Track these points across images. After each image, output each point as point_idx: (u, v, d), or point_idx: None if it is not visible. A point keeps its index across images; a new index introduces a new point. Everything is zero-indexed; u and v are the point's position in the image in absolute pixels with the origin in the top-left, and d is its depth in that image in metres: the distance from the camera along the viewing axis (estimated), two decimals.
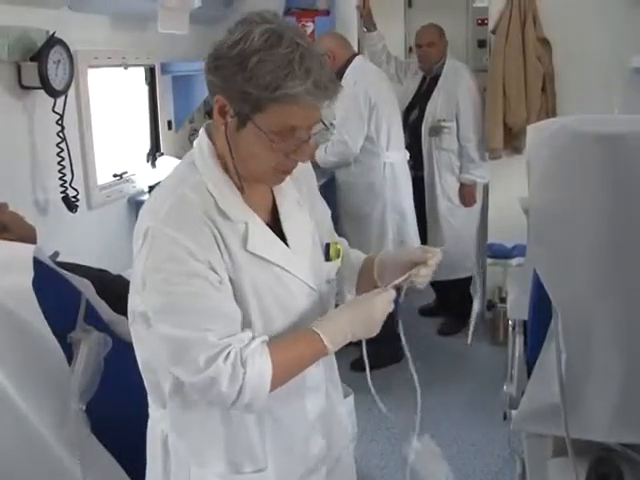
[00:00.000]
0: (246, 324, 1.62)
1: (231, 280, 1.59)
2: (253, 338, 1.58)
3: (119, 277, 2.24)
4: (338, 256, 1.82)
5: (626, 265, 2.36)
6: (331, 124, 4.21)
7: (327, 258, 1.81)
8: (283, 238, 1.73)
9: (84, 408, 1.87)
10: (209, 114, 5.28)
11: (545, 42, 5.14)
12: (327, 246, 1.82)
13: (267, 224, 1.71)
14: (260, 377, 1.54)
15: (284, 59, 1.48)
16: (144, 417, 1.76)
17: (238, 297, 1.61)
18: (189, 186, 1.59)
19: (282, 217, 1.76)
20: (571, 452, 2.54)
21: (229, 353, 1.51)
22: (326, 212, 1.96)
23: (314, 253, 1.79)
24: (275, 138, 1.54)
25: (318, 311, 1.76)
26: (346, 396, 2.03)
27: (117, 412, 1.94)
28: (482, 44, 7.39)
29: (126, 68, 4.35)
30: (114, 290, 1.94)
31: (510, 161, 5.30)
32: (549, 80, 5.16)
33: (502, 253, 5.23)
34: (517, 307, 2.98)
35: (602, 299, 2.43)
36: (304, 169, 1.81)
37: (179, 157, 4.21)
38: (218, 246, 1.56)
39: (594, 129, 2.17)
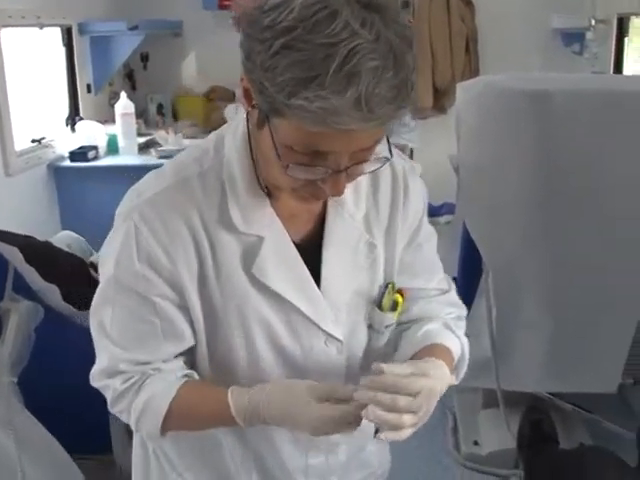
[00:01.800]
0: (219, 365, 1.28)
1: (210, 306, 1.22)
2: (182, 367, 1.27)
3: (47, 243, 2.17)
4: (394, 309, 1.31)
5: (553, 220, 2.43)
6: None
7: (379, 305, 1.32)
8: (318, 267, 1.26)
9: (16, 381, 1.82)
10: (129, 77, 5.15)
11: (468, 3, 5.20)
12: (385, 288, 1.32)
13: (299, 244, 1.24)
14: (143, 413, 1.23)
15: (319, 52, 0.95)
16: (81, 388, 1.70)
17: (214, 331, 1.24)
18: (199, 172, 1.19)
19: (326, 239, 1.26)
20: (502, 403, 2.63)
21: (130, 378, 1.24)
22: (420, 249, 1.37)
23: (359, 295, 1.30)
24: (289, 156, 1.05)
25: (344, 377, 1.32)
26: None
27: (52, 384, 1.88)
28: (406, 4, 7.39)
29: (41, 28, 4.20)
30: (43, 257, 1.87)
31: (435, 121, 5.36)
32: (472, 40, 5.22)
33: (430, 211, 5.26)
34: (446, 264, 3.04)
35: (531, 254, 2.49)
36: (402, 175, 1.31)
37: (100, 121, 4.11)
38: (200, 262, 1.18)
39: (521, 86, 2.20)
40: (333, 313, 1.26)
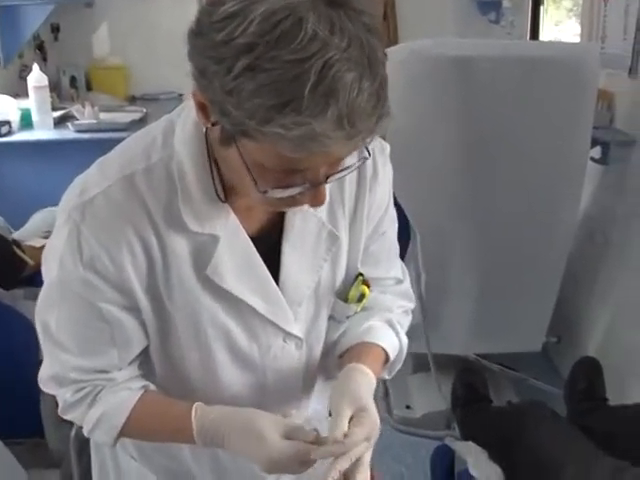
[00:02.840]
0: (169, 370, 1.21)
1: (162, 310, 1.13)
2: (137, 377, 1.20)
3: None
4: (360, 300, 1.24)
5: (478, 183, 2.48)
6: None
7: (343, 297, 1.25)
8: (278, 262, 1.18)
9: None
10: (39, 48, 4.95)
11: None
12: (353, 280, 1.25)
13: (256, 238, 1.15)
14: (97, 426, 1.17)
15: (288, 71, 0.83)
16: (8, 371, 1.64)
17: (167, 333, 1.16)
18: (145, 167, 1.08)
19: (285, 232, 1.16)
20: (433, 367, 2.70)
21: (82, 389, 1.16)
22: (384, 237, 1.29)
23: (321, 288, 1.22)
24: (262, 175, 0.96)
25: (303, 372, 1.27)
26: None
27: None
28: None
29: None
30: None
31: None
32: (390, 7, 5.23)
33: None
34: None
35: (457, 218, 2.54)
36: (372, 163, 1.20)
37: (10, 95, 3.94)
38: (149, 265, 1.09)
39: (446, 52, 2.22)
40: (292, 310, 1.19)
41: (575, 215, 2.62)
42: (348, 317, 1.26)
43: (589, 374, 2.34)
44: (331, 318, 1.26)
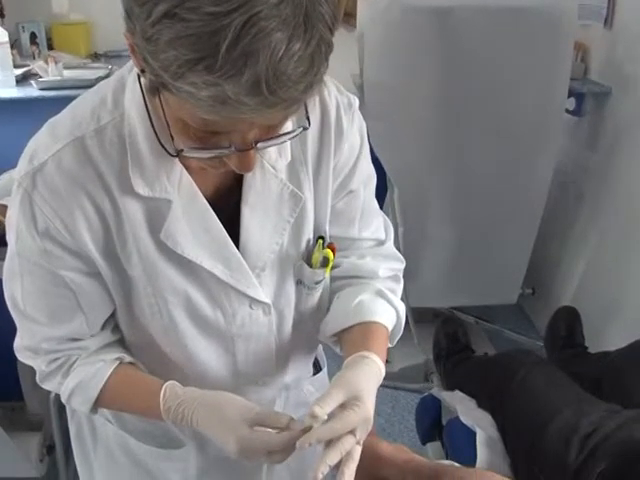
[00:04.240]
0: (136, 335, 1.18)
1: (122, 276, 1.09)
2: (108, 345, 1.17)
3: None
4: (326, 265, 1.18)
5: (455, 135, 2.46)
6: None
7: (308, 261, 1.18)
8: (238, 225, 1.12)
9: None
10: None
11: None
12: (313, 244, 1.18)
13: (213, 200, 1.08)
14: (72, 396, 1.15)
15: (207, 25, 0.74)
16: (3, 343, 1.53)
17: (130, 299, 1.12)
18: (95, 129, 1.01)
19: (244, 193, 1.09)
20: (411, 320, 2.71)
21: (55, 359, 1.14)
22: (355, 194, 1.20)
23: (285, 252, 1.16)
24: (184, 132, 0.88)
25: (275, 339, 1.22)
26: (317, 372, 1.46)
27: None
28: None
29: None
30: None
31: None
32: None
33: None
34: None
35: (434, 170, 2.53)
36: (333, 112, 1.11)
37: None
38: (105, 230, 1.04)
39: (425, 2, 2.19)
40: (255, 274, 1.12)
41: (551, 168, 2.62)
42: (317, 283, 1.19)
43: (569, 322, 2.36)
44: (300, 284, 1.19)
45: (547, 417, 1.57)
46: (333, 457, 0.95)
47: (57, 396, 1.43)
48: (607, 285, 2.69)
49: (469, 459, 1.64)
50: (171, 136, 0.89)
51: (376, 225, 1.24)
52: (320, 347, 1.45)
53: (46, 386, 1.17)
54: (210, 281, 1.10)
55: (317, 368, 1.45)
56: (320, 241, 1.16)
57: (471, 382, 1.94)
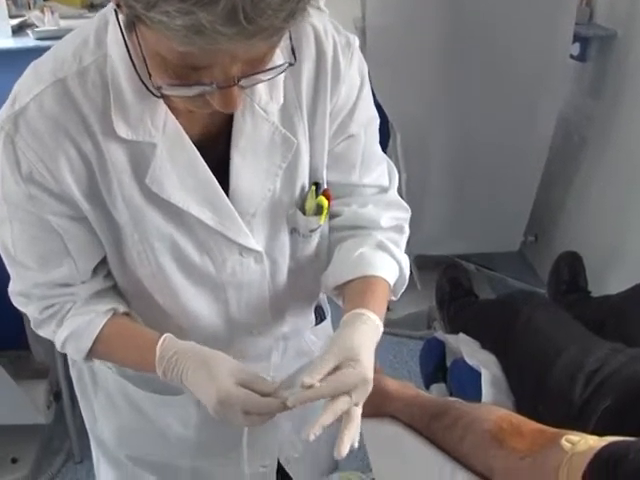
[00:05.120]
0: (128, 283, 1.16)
1: (109, 221, 1.06)
2: (100, 295, 1.15)
3: None
4: (320, 213, 1.13)
5: (459, 83, 2.44)
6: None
7: (302, 209, 1.14)
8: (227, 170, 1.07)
9: None
10: None
11: None
12: (307, 192, 1.14)
13: (201, 144, 1.04)
14: (66, 345, 1.14)
15: None
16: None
17: (119, 244, 1.09)
18: (77, 70, 0.97)
19: (234, 137, 1.04)
20: (414, 267, 2.71)
21: (48, 307, 1.13)
22: (355, 137, 1.14)
23: (278, 199, 1.11)
24: (162, 68, 0.84)
25: (268, 288, 1.19)
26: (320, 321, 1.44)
27: None
28: None
29: None
30: None
31: None
32: None
33: None
34: None
35: (437, 119, 2.51)
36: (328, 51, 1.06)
37: None
38: (89, 175, 1.01)
39: None
40: (246, 222, 1.09)
41: (554, 114, 2.59)
42: (312, 231, 1.16)
43: (572, 267, 2.35)
44: (295, 232, 1.16)
45: (553, 355, 1.56)
46: (326, 418, 0.95)
47: None
48: (610, 231, 2.69)
49: (474, 399, 1.62)
50: (149, 74, 0.85)
51: (379, 172, 1.20)
52: (324, 296, 1.43)
53: (41, 333, 1.16)
54: (198, 228, 1.07)
55: (321, 317, 1.43)
56: (312, 188, 1.12)
57: (475, 325, 1.94)
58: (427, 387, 2.02)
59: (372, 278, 1.13)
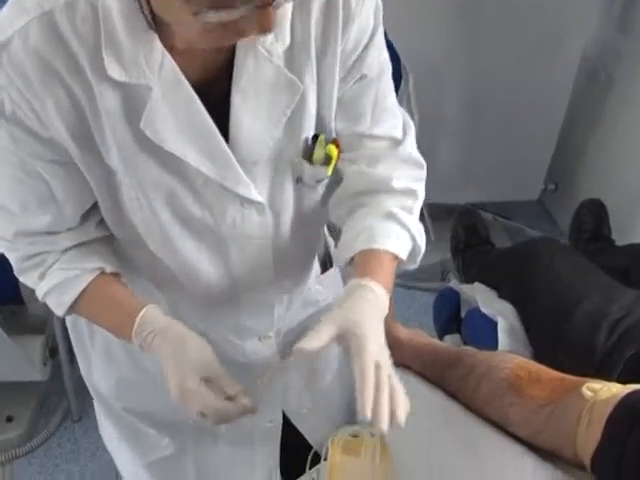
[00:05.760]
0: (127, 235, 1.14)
1: (101, 167, 1.03)
2: (86, 249, 1.13)
3: None
4: (327, 163, 1.10)
5: (476, 20, 2.36)
6: None
7: (309, 158, 1.10)
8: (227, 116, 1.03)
9: None
10: None
11: None
12: (314, 139, 1.09)
13: (200, 87, 1.00)
14: (47, 297, 1.12)
15: None
16: None
17: (112, 192, 1.06)
18: (66, 2, 0.91)
19: (235, 81, 1.00)
20: (427, 216, 2.70)
21: (31, 257, 1.11)
22: (366, 83, 1.09)
23: (282, 147, 1.08)
24: None
25: (272, 242, 1.17)
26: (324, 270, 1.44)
27: None
28: None
29: None
30: None
31: None
32: None
33: None
34: None
35: (452, 58, 2.43)
36: None
37: None
38: (79, 117, 0.97)
39: None
40: (247, 171, 1.05)
41: (579, 51, 2.50)
42: (319, 182, 1.13)
43: (595, 215, 2.30)
44: (300, 182, 1.13)
45: (574, 302, 1.54)
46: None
47: None
48: (636, 177, 2.62)
49: (490, 349, 1.55)
50: (147, 3, 0.81)
51: (392, 124, 1.14)
52: (332, 243, 1.42)
53: (22, 279, 1.14)
54: (195, 177, 1.04)
55: (327, 265, 1.44)
56: (322, 136, 1.08)
57: (491, 273, 1.91)
58: (441, 338, 2.01)
59: (376, 251, 1.09)
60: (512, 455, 1.01)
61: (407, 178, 1.14)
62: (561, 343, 1.54)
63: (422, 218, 1.16)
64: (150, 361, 1.28)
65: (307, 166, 1.09)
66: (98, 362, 1.38)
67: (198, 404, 0.98)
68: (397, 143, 1.14)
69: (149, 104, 0.95)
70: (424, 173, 1.17)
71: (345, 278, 1.22)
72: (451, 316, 1.96)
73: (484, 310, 1.70)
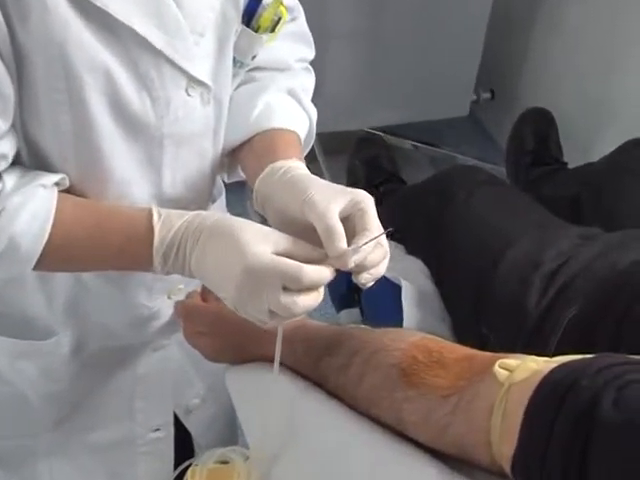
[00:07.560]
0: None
1: (17, 46, 0.97)
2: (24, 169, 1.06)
3: None
4: (273, 29, 1.15)
5: None
6: None
7: (252, 25, 1.14)
8: None
9: None
10: None
11: None
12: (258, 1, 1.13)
13: None
14: (11, 241, 1.03)
15: None
16: None
17: (27, 83, 1.00)
18: None
19: None
20: (319, 150, 2.57)
21: None
22: None
23: (226, 9, 1.10)
24: None
25: (211, 145, 1.17)
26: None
27: None
28: None
29: None
30: None
31: None
32: None
33: None
34: None
35: None
36: None
37: None
38: None
39: None
40: (194, 42, 1.07)
41: None
42: (254, 58, 1.17)
43: (539, 128, 2.19)
44: (236, 64, 1.16)
45: (498, 250, 1.44)
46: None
47: None
48: (591, 79, 2.49)
49: (394, 325, 1.43)
50: None
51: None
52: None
53: None
54: (139, 52, 1.02)
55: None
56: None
57: (398, 220, 1.76)
58: (338, 312, 1.93)
59: (283, 131, 1.14)
60: (407, 470, 0.92)
61: (303, 57, 1.24)
62: (483, 308, 1.45)
63: (312, 152, 1.22)
64: (8, 362, 1.27)
65: (249, 34, 1.12)
66: None
67: (280, 274, 0.92)
68: (294, 18, 1.21)
69: None
70: (313, 54, 1.26)
71: (231, 166, 1.23)
72: (350, 286, 1.82)
73: (387, 275, 1.50)
